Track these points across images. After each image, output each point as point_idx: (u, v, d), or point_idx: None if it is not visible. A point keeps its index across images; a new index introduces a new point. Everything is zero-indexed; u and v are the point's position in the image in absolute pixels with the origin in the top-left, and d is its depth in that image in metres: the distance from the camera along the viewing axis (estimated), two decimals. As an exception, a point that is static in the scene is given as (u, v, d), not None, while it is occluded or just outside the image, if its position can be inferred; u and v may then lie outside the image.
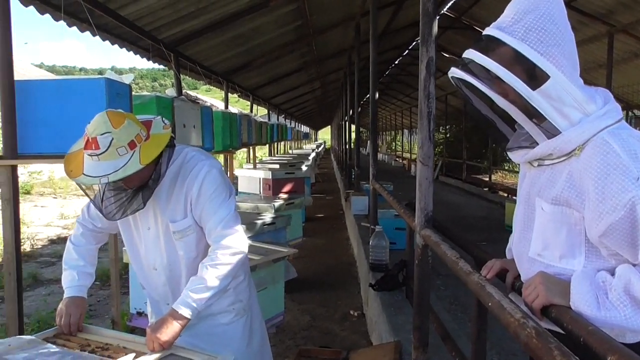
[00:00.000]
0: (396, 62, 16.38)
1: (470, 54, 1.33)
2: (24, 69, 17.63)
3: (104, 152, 1.64)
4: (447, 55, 12.38)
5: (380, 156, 27.24)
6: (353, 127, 12.91)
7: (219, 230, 1.86)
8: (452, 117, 19.55)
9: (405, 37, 11.95)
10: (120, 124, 1.68)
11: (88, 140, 1.66)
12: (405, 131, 29.70)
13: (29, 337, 1.88)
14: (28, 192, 13.93)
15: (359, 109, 9.29)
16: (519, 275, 1.55)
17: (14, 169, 2.70)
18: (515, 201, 1.58)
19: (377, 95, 5.74)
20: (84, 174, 1.67)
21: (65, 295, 1.97)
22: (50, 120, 2.70)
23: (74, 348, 1.82)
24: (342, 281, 5.93)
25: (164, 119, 1.87)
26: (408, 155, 25.75)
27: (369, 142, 5.93)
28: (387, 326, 3.35)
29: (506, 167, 18.08)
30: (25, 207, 11.60)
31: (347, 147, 12.69)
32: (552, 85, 1.25)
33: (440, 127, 20.24)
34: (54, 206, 12.19)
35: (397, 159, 27.09)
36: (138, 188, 1.80)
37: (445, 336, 2.72)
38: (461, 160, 15.53)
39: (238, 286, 2.06)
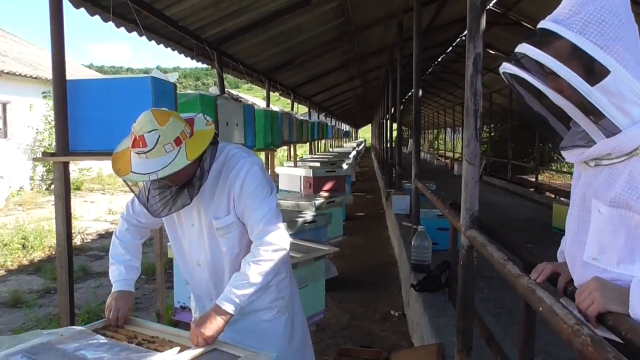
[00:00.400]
0: (439, 60, 16.10)
1: (524, 48, 1.28)
2: (74, 70, 18.27)
3: (151, 149, 1.66)
4: (493, 52, 12.08)
5: (422, 155, 26.89)
6: (394, 125, 12.79)
7: (260, 226, 1.86)
8: (497, 115, 19.07)
9: (449, 34, 11.73)
10: (166, 121, 1.70)
11: (135, 138, 1.68)
12: (448, 130, 29.23)
13: (79, 327, 1.93)
14: (78, 188, 14.46)
15: (401, 106, 9.18)
16: (572, 280, 1.48)
17: (65, 165, 2.79)
18: (563, 202, 1.52)
19: (420, 92, 5.65)
20: (133, 172, 1.70)
21: (113, 289, 2.02)
22: (99, 118, 2.78)
23: (121, 340, 1.86)
24: (383, 281, 5.87)
25: (205, 116, 1.89)
26: (451, 154, 25.33)
27: (410, 140, 5.87)
28: (429, 328, 3.29)
29: (554, 168, 17.51)
30: (76, 203, 12.05)
31: (388, 145, 12.58)
32: (613, 80, 1.18)
33: (485, 126, 19.80)
34: (102, 202, 12.62)
35: (440, 157, 26.67)
36: (183, 185, 1.82)
37: (490, 340, 2.64)
38: (506, 160, 15.12)
39: (280, 283, 2.06)
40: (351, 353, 3.00)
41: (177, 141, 1.70)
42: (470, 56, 2.37)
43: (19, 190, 13.16)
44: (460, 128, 24.25)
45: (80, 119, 2.82)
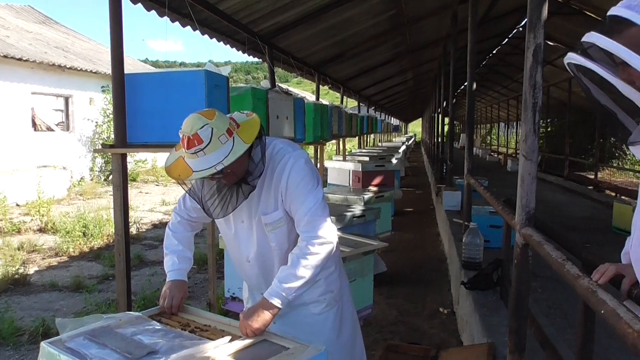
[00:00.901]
0: (494, 52, 15.64)
1: (592, 37, 1.21)
2: (131, 64, 18.94)
3: (208, 144, 1.69)
4: (552, 44, 11.61)
5: (474, 150, 26.24)
6: (446, 119, 12.54)
7: (307, 219, 1.87)
8: (554, 109, 18.37)
9: (505, 25, 11.37)
10: (213, 115, 1.74)
11: (189, 138, 1.70)
12: (502, 124, 28.39)
13: (136, 313, 2.00)
14: (134, 180, 15.01)
15: (454, 100, 8.98)
16: (637, 282, 1.40)
17: (123, 157, 2.89)
18: (624, 201, 1.43)
19: (474, 85, 5.51)
20: (195, 171, 1.72)
21: (167, 279, 2.08)
22: (155, 111, 2.86)
23: (175, 327, 1.92)
24: (432, 277, 5.79)
25: (243, 111, 1.93)
26: (504, 149, 24.60)
27: (462, 135, 5.72)
28: (480, 327, 3.21)
29: (614, 164, 16.69)
30: (132, 194, 12.51)
31: (439, 140, 12.35)
32: None
33: (541, 121, 19.09)
34: (156, 193, 13.04)
35: (492, 153, 25.97)
36: (237, 183, 1.84)
37: (545, 342, 2.56)
38: (563, 156, 14.54)
39: (329, 277, 2.06)
40: (399, 349, 2.97)
41: (229, 132, 1.74)
42: (530, 47, 2.27)
43: (80, 181, 13.79)
44: (515, 123, 23.53)
45: (137, 112, 2.91)
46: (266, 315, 1.79)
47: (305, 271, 1.82)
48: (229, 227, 2.07)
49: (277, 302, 1.81)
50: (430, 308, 4.79)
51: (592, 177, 13.04)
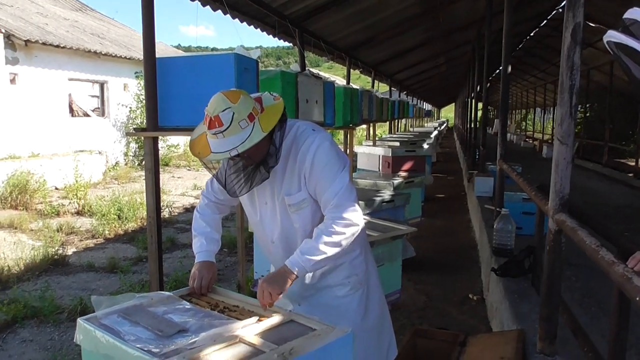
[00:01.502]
0: (531, 34, 15.19)
1: (635, 13, 1.15)
2: (164, 51, 19.16)
3: (227, 127, 1.72)
4: (593, 25, 11.19)
5: (508, 136, 25.62)
6: (479, 105, 12.29)
7: (334, 202, 1.87)
8: (594, 94, 17.75)
9: (543, 6, 11.01)
10: (237, 99, 1.75)
11: (210, 119, 1.74)
12: (538, 110, 27.67)
13: (167, 293, 2.05)
14: (167, 164, 15.28)
15: (488, 84, 8.78)
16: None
17: (155, 140, 2.94)
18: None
19: (509, 69, 5.37)
20: (213, 152, 1.77)
21: (196, 260, 2.13)
22: (185, 95, 2.88)
23: (205, 307, 1.95)
24: (462, 264, 5.73)
25: (272, 93, 1.92)
26: (540, 135, 23.99)
27: (496, 121, 5.60)
28: (510, 313, 3.17)
29: (657, 151, 16.08)
30: (164, 178, 12.75)
31: (472, 125, 12.12)
32: None
33: (580, 105, 18.48)
34: (188, 177, 13.25)
35: (527, 139, 25.36)
36: (257, 164, 1.86)
37: (577, 330, 2.50)
38: (602, 142, 14.08)
39: (354, 260, 2.07)
40: (427, 334, 2.96)
41: (250, 117, 1.75)
42: (569, 26, 2.20)
43: (115, 165, 14.12)
44: (552, 108, 22.88)
45: (169, 96, 2.94)
46: (284, 282, 1.85)
47: (326, 247, 1.84)
48: (253, 209, 2.09)
49: (295, 270, 1.85)
50: (459, 294, 4.75)
51: (633, 164, 12.59)
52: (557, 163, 2.31)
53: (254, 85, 3.04)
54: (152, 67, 2.88)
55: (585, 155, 15.43)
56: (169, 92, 2.94)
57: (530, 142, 23.90)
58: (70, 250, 6.26)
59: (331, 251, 1.86)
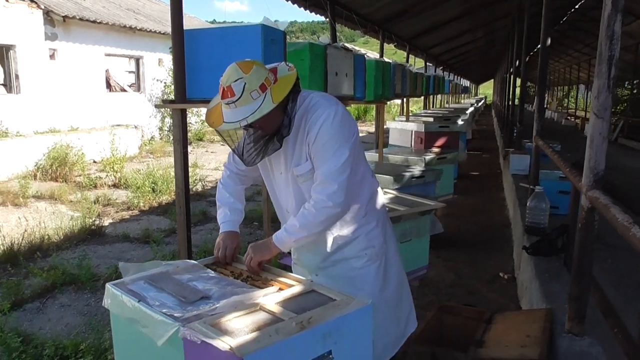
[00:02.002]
0: (576, 7, 14.54)
1: None
2: (198, 25, 19.25)
3: (239, 98, 1.74)
4: (640, -4, 10.63)
5: (549, 114, 24.89)
6: (518, 81, 11.92)
7: (320, 179, 1.89)
8: (641, 69, 16.95)
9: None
10: (250, 69, 1.76)
11: (224, 89, 1.77)
12: (582, 86, 26.65)
13: (192, 261, 2.10)
14: (201, 139, 15.48)
15: (527, 58, 8.48)
16: None
17: (183, 112, 2.96)
18: None
19: (549, 41, 5.15)
20: (225, 122, 1.80)
21: (221, 230, 2.17)
22: (213, 67, 2.87)
23: (228, 275, 1.99)
24: (494, 242, 5.64)
25: (287, 63, 1.93)
26: (582, 113, 23.17)
27: (536, 97, 5.39)
28: (540, 292, 3.11)
29: None
30: (198, 153, 12.94)
31: (510, 102, 11.78)
32: None
33: (626, 82, 17.69)
34: (221, 152, 13.40)
35: (569, 117, 24.52)
36: (272, 135, 1.88)
37: (608, 311, 2.43)
38: (648, 120, 13.47)
39: (370, 232, 2.07)
40: (453, 310, 2.93)
41: (262, 87, 1.76)
42: (608, -8, 2.08)
43: (150, 140, 14.39)
44: (595, 84, 21.91)
45: (196, 68, 2.95)
46: (267, 252, 1.98)
47: (304, 227, 1.92)
48: (270, 179, 2.13)
49: (278, 244, 1.98)
50: (490, 273, 4.69)
51: (680, 143, 12.05)
52: (592, 138, 2.23)
53: (281, 57, 3.01)
54: (179, 39, 2.89)
55: (630, 134, 14.82)
56: (197, 64, 2.94)
57: (572, 120, 23.12)
58: (106, 221, 6.46)
59: (309, 231, 1.94)
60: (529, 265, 3.75)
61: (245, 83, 1.74)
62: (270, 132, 1.88)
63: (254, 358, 1.35)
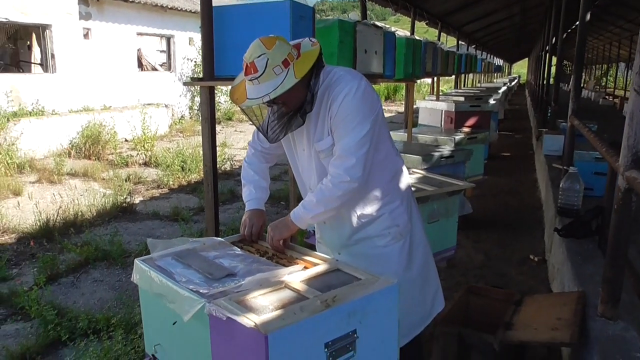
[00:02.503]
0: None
1: None
2: (228, 2, 19.19)
3: (262, 73, 1.73)
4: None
5: (585, 93, 24.06)
6: (554, 60, 11.52)
7: (339, 154, 1.86)
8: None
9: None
10: (272, 45, 1.75)
11: (247, 65, 1.76)
12: (622, 65, 25.67)
13: (219, 239, 2.11)
14: (230, 119, 15.56)
15: (564, 35, 8.19)
16: None
17: (211, 89, 2.96)
18: None
19: (588, 16, 4.94)
20: (248, 99, 1.80)
21: (246, 209, 2.18)
22: (241, 44, 2.81)
23: (254, 253, 1.99)
24: (524, 224, 5.53)
25: (311, 38, 1.92)
26: (622, 92, 22.35)
27: (572, 76, 5.19)
28: (572, 275, 3.03)
29: None
30: (227, 132, 13.02)
31: (545, 81, 11.43)
32: None
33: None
34: (250, 131, 13.37)
35: (607, 96, 23.68)
36: (295, 111, 1.86)
37: (644, 295, 2.36)
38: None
39: (394, 211, 2.05)
40: (481, 291, 2.89)
41: (285, 63, 1.75)
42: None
43: (181, 119, 14.55)
44: (636, 62, 21.07)
45: (225, 45, 2.93)
46: (286, 230, 1.97)
47: (321, 203, 1.89)
48: (293, 156, 2.12)
49: (295, 221, 1.96)
50: (519, 255, 4.61)
51: None
52: (632, 115, 2.13)
53: (309, 33, 2.96)
54: (208, 16, 2.87)
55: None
56: (226, 41, 2.92)
57: (611, 99, 22.34)
58: (137, 199, 6.59)
59: (326, 206, 1.90)
60: (560, 248, 3.67)
61: (268, 59, 1.73)
62: (293, 108, 1.86)
63: (278, 335, 1.35)
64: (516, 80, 35.09)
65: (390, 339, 1.70)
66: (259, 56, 1.74)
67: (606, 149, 2.84)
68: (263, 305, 1.52)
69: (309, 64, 1.79)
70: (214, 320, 1.50)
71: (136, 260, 1.88)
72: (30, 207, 5.70)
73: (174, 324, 1.68)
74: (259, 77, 1.74)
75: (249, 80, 1.78)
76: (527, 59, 43.74)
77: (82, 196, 6.31)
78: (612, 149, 2.83)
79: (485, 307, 2.81)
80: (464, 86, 15.87)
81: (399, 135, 5.63)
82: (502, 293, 2.83)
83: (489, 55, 25.23)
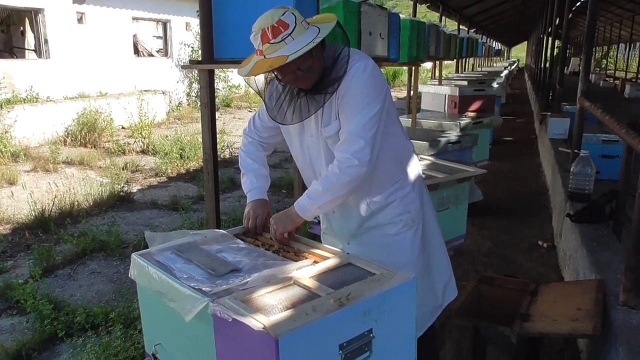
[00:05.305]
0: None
1: None
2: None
3: (294, 28, 1.62)
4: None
5: (585, 75, 23.84)
6: (556, 43, 11.33)
7: (345, 137, 1.74)
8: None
9: None
10: (287, 7, 1.68)
11: (273, 27, 1.62)
12: (622, 46, 25.43)
13: (221, 231, 1.99)
14: (228, 105, 15.34)
15: (570, 14, 8.00)
16: None
17: (210, 73, 2.82)
18: None
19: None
20: (290, 55, 1.60)
21: (248, 200, 2.05)
22: (241, 25, 2.69)
23: (259, 246, 1.87)
24: (530, 210, 5.42)
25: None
26: (622, 74, 22.17)
27: (572, 59, 5.07)
28: (587, 262, 2.92)
29: None
30: (226, 119, 12.85)
31: (547, 65, 11.26)
32: None
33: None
34: (249, 118, 13.28)
35: (608, 78, 23.48)
36: (310, 91, 1.76)
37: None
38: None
39: (405, 197, 1.94)
40: (494, 281, 2.78)
41: (305, 23, 1.68)
42: None
43: (178, 106, 14.34)
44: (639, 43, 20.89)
45: (224, 27, 2.79)
46: (289, 223, 1.84)
47: (328, 191, 1.76)
48: (300, 144, 1.97)
49: (301, 213, 1.82)
50: (527, 241, 4.50)
51: None
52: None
53: (314, 14, 2.82)
54: (206, -5, 2.72)
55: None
56: (225, 23, 2.78)
57: (611, 81, 22.17)
58: (134, 188, 6.45)
59: (334, 194, 1.76)
60: (573, 233, 3.56)
61: (294, 14, 1.64)
62: (312, 82, 1.74)
63: (289, 339, 1.24)
64: (516, 64, 34.82)
65: (408, 336, 1.59)
66: (283, 14, 1.63)
67: (626, 131, 2.72)
68: (271, 305, 1.40)
69: (333, 18, 1.72)
70: (218, 321, 1.38)
71: (134, 255, 1.76)
72: (25, 197, 5.56)
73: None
74: (292, 32, 1.62)
75: (279, 41, 1.62)
76: (525, 42, 43.38)
77: (79, 185, 6.17)
78: (632, 130, 2.70)
79: (499, 297, 2.70)
80: (465, 71, 15.69)
81: (402, 121, 5.48)
82: (517, 282, 2.72)
83: (488, 39, 24.96)
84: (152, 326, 1.81)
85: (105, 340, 2.79)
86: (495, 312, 2.65)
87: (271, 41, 1.62)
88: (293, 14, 1.64)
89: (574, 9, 16.15)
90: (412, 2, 8.46)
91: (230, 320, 1.32)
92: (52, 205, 5.21)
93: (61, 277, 3.93)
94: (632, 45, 23.27)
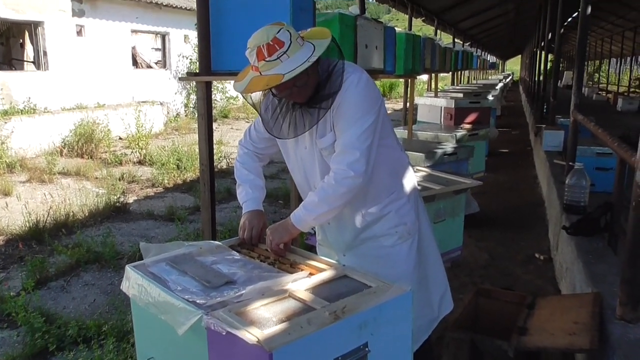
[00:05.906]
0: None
1: None
2: None
3: (289, 45, 1.63)
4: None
5: (579, 89, 24.04)
6: (550, 56, 11.43)
7: (341, 148, 1.75)
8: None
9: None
10: (282, 24, 1.69)
11: (268, 44, 1.62)
12: (613, 60, 25.68)
13: (217, 242, 1.98)
14: (226, 116, 15.37)
15: (562, 29, 8.08)
16: None
17: (208, 84, 2.83)
18: None
19: (589, 10, 4.83)
20: (286, 74, 1.61)
21: (244, 211, 2.04)
22: (239, 37, 2.68)
23: (254, 258, 1.86)
24: (527, 221, 5.42)
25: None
26: (615, 87, 22.36)
27: (565, 73, 5.12)
28: (584, 275, 2.92)
29: None
30: (223, 130, 12.86)
31: (541, 78, 11.34)
32: None
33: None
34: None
35: (600, 92, 23.67)
36: (305, 104, 1.77)
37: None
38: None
39: (400, 209, 1.94)
40: (491, 294, 2.77)
41: (301, 38, 1.69)
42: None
43: (176, 117, 14.36)
44: (630, 58, 21.13)
45: (222, 39, 2.80)
46: (286, 234, 1.83)
47: (324, 202, 1.77)
48: (294, 155, 1.98)
49: (297, 224, 1.83)
50: (524, 253, 4.50)
51: None
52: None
53: (310, 26, 2.83)
54: (205, 8, 2.74)
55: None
56: (222, 35, 2.79)
57: (604, 94, 22.34)
58: (131, 199, 6.43)
59: (330, 205, 1.78)
60: (569, 246, 3.55)
61: (289, 31, 1.65)
62: (306, 97, 1.75)
63: (283, 352, 1.22)
64: (510, 77, 35.07)
65: (404, 350, 1.58)
66: (278, 31, 1.63)
67: (618, 144, 2.73)
68: (266, 318, 1.39)
69: (327, 33, 1.74)
70: (212, 334, 1.37)
71: (127, 267, 1.75)
72: (20, 208, 5.53)
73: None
74: (287, 50, 1.62)
75: (274, 59, 1.63)
76: (519, 56, 43.73)
77: (74, 196, 6.14)
78: (624, 143, 2.71)
79: (496, 310, 2.69)
80: (460, 83, 15.78)
81: (398, 132, 5.49)
82: (514, 295, 2.71)
83: (483, 52, 25.16)
84: (145, 339, 1.79)
85: (97, 354, 2.75)
86: (492, 324, 2.64)
87: (267, 59, 1.63)
88: (288, 31, 1.65)
89: (565, 24, 16.32)
90: (407, 16, 8.52)
91: (224, 333, 1.31)
92: (47, 216, 5.18)
93: (54, 289, 3.89)
94: (622, 60, 23.47)
